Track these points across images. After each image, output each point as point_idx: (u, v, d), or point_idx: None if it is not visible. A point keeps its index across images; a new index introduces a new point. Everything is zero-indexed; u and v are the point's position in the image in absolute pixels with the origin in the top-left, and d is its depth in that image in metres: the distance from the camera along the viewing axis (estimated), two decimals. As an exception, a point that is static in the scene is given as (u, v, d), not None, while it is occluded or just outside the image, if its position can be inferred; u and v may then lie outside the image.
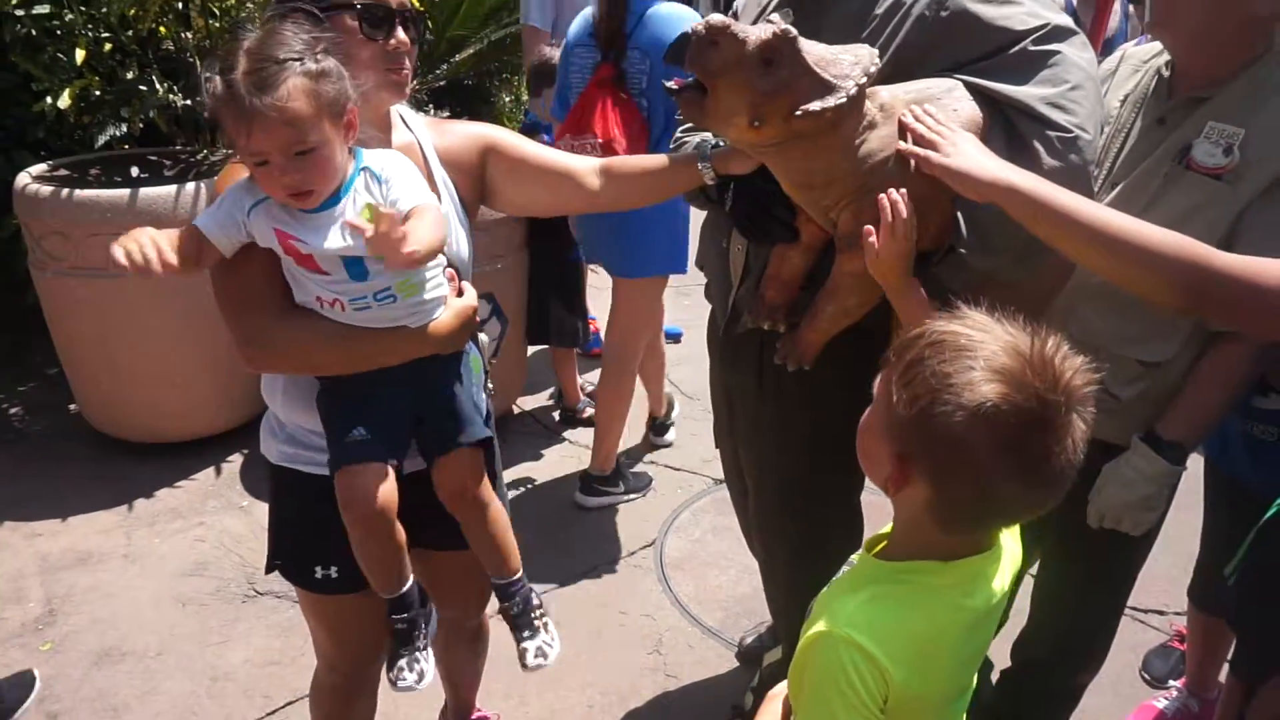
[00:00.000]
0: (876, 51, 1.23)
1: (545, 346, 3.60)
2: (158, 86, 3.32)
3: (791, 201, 1.36)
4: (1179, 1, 1.39)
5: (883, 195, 1.22)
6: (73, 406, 3.41)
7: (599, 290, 4.47)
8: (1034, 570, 1.84)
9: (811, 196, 1.31)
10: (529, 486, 3.15)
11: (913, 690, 0.94)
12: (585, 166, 1.51)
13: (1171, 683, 2.29)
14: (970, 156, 1.17)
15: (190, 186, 2.98)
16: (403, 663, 1.38)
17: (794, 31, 1.17)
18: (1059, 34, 1.29)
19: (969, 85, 1.29)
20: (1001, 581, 1.02)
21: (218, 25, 3.47)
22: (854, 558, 1.09)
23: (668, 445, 3.42)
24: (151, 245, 1.18)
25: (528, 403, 3.71)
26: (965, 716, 1.08)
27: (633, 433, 3.45)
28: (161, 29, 3.37)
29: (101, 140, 3.36)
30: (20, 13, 3.13)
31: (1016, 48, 1.29)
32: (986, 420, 0.85)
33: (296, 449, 1.44)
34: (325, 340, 1.29)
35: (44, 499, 2.98)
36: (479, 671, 1.95)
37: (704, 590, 2.65)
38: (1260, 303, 1.09)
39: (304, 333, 1.29)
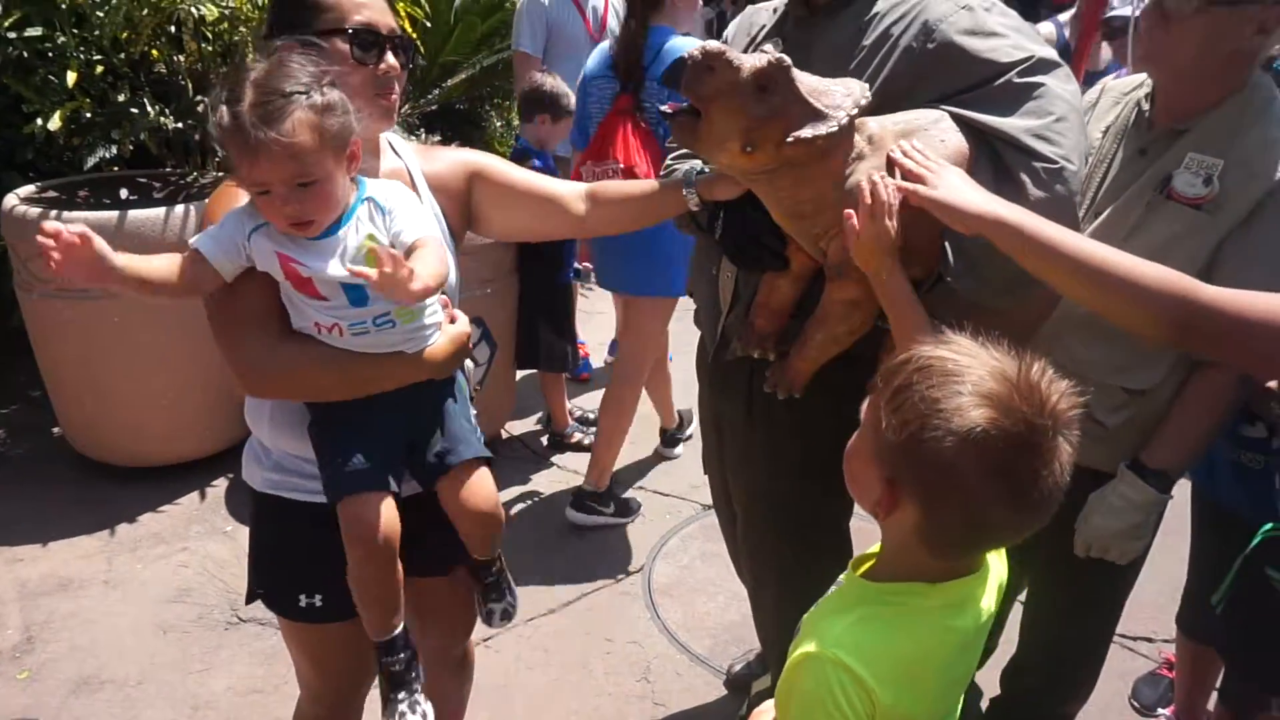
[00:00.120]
0: (867, 84, 1.25)
1: (534, 371, 3.60)
2: (149, 109, 3.33)
3: (781, 230, 1.37)
4: (1170, 37, 1.42)
5: (862, 179, 1.23)
6: (56, 429, 3.38)
7: (589, 315, 4.48)
8: (1022, 598, 1.84)
9: (801, 225, 1.32)
10: (517, 512, 3.13)
11: (900, 712, 0.94)
12: (571, 192, 1.52)
13: (1160, 710, 2.29)
14: (957, 189, 1.19)
15: (179, 209, 2.98)
16: (403, 706, 1.36)
17: (788, 60, 1.18)
18: (1043, 66, 1.32)
19: (955, 116, 1.31)
20: (988, 602, 1.03)
21: (210, 49, 3.48)
22: (841, 578, 1.09)
23: (676, 458, 3.47)
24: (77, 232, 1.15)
25: (516, 427, 3.70)
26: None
27: (627, 455, 3.45)
28: (154, 52, 3.39)
29: (91, 162, 3.36)
30: (12, 35, 3.13)
31: (1002, 80, 1.31)
32: (975, 445, 0.86)
33: (283, 476, 1.43)
34: (322, 365, 1.29)
35: (24, 523, 2.94)
36: (465, 699, 1.93)
37: (692, 617, 2.63)
38: (1246, 336, 1.10)
39: (301, 358, 1.29)
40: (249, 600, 1.52)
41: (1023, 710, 1.86)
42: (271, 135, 1.13)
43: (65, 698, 2.28)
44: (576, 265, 3.48)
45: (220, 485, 3.19)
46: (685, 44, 2.73)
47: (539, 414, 3.76)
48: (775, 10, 1.61)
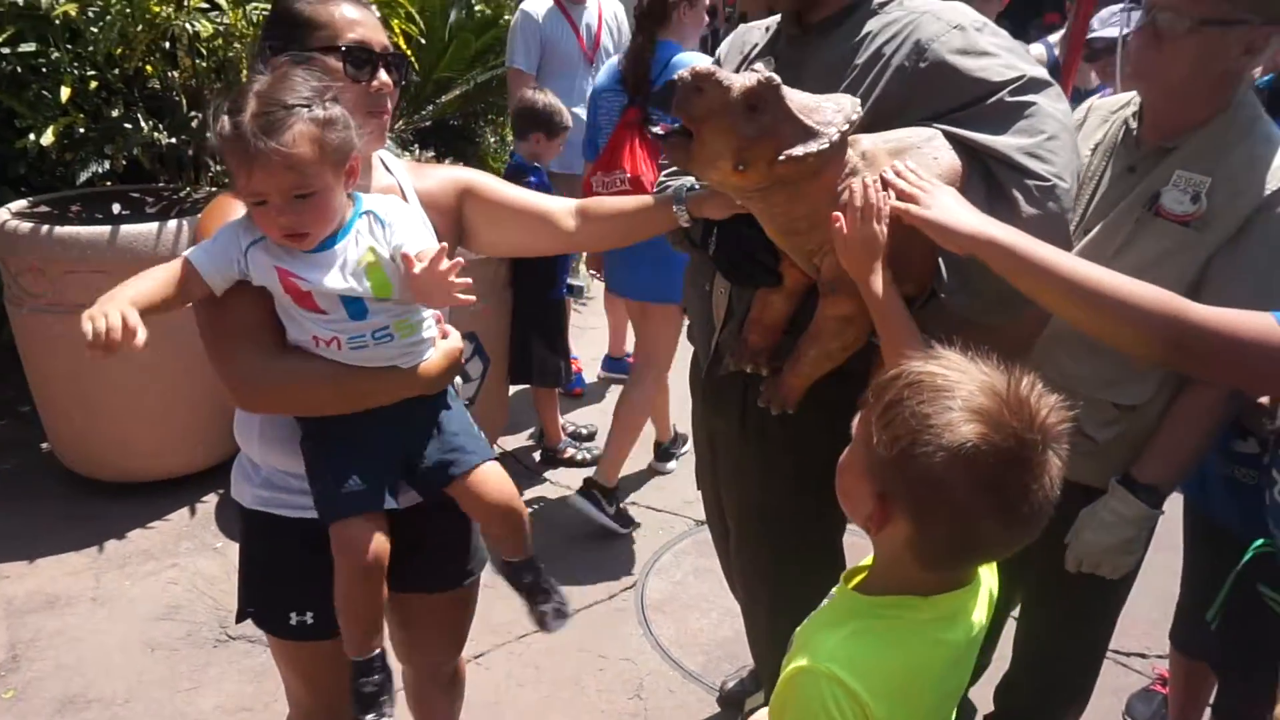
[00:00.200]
0: (858, 100, 1.26)
1: (527, 386, 3.59)
2: (143, 124, 3.33)
3: (774, 246, 1.37)
4: (1161, 56, 1.44)
5: (853, 180, 1.23)
6: (45, 445, 3.35)
7: (582, 330, 4.49)
8: (1016, 614, 1.84)
9: (795, 242, 1.33)
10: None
11: None
12: (561, 208, 1.53)
13: (1154, 727, 2.28)
14: (950, 209, 1.19)
15: (172, 224, 2.98)
16: None
17: (778, 79, 1.19)
18: (1035, 85, 1.33)
19: (948, 134, 1.32)
20: (980, 615, 1.03)
21: (205, 65, 3.49)
22: (833, 591, 1.10)
23: (669, 473, 3.48)
24: (118, 315, 1.15)
25: (509, 442, 3.69)
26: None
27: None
28: (148, 68, 3.39)
29: (84, 177, 3.36)
30: (6, 50, 3.13)
31: (994, 98, 1.32)
32: (966, 460, 0.86)
33: (273, 492, 1.42)
34: (316, 379, 1.29)
35: (12, 540, 2.91)
36: (455, 717, 1.91)
37: (685, 633, 2.62)
38: (1237, 355, 1.11)
39: (295, 372, 1.29)
40: (239, 619, 1.51)
41: (1017, 727, 1.86)
42: (272, 145, 1.14)
43: (51, 717, 2.25)
44: (570, 281, 3.49)
45: (210, 501, 3.17)
46: (691, 58, 2.78)
47: (531, 429, 3.75)
48: (768, 29, 1.62)
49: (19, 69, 3.21)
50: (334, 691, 1.54)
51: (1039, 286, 1.15)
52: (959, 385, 0.89)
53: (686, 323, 1.81)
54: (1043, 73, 1.36)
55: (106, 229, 2.89)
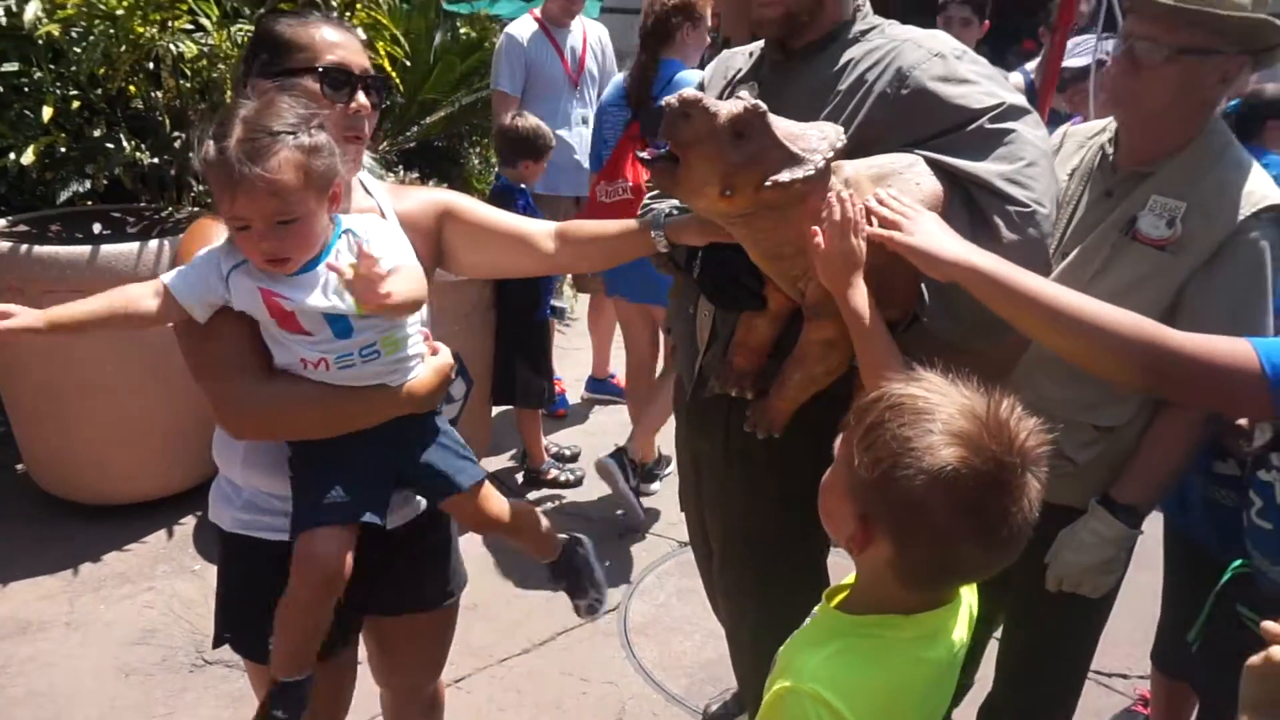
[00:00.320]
0: (842, 128, 1.28)
1: (510, 407, 3.58)
2: (125, 144, 3.32)
3: (759, 270, 1.38)
4: (1139, 84, 1.47)
5: (830, 193, 1.24)
6: (20, 466, 3.31)
7: (565, 351, 4.48)
8: (998, 634, 1.84)
9: (780, 267, 1.34)
10: (491, 549, 3.10)
11: None
12: (541, 230, 1.54)
13: (1136, 748, 2.29)
14: (933, 236, 1.21)
15: (153, 244, 2.95)
16: None
17: (764, 106, 1.21)
18: (1014, 113, 1.35)
19: (930, 160, 1.33)
20: (960, 633, 1.04)
21: (189, 86, 3.49)
22: (815, 609, 1.10)
23: (652, 494, 3.45)
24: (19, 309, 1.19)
25: (491, 464, 3.67)
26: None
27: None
28: (131, 88, 3.38)
29: (64, 196, 3.33)
30: (-13, 70, 3.12)
31: (974, 125, 1.34)
32: (946, 483, 0.87)
33: (255, 515, 1.41)
34: (306, 403, 1.29)
35: (-15, 563, 2.87)
36: (436, 743, 1.89)
37: (668, 656, 2.61)
38: (1214, 381, 1.13)
39: (284, 396, 1.29)
40: (216, 645, 1.49)
41: (1000, 749, 1.85)
42: (256, 171, 1.14)
43: (22, 745, 2.21)
44: (553, 302, 3.49)
45: (188, 523, 3.13)
46: (693, 76, 2.85)
47: (513, 450, 3.74)
48: (751, 54, 1.64)
49: (1, 89, 3.19)
50: (316, 716, 1.52)
51: (1020, 313, 1.17)
52: (939, 408, 0.90)
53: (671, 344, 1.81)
54: (1021, 100, 1.38)
55: (86, 249, 2.86)
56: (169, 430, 3.07)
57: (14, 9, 3.04)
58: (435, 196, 1.53)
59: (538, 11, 4.04)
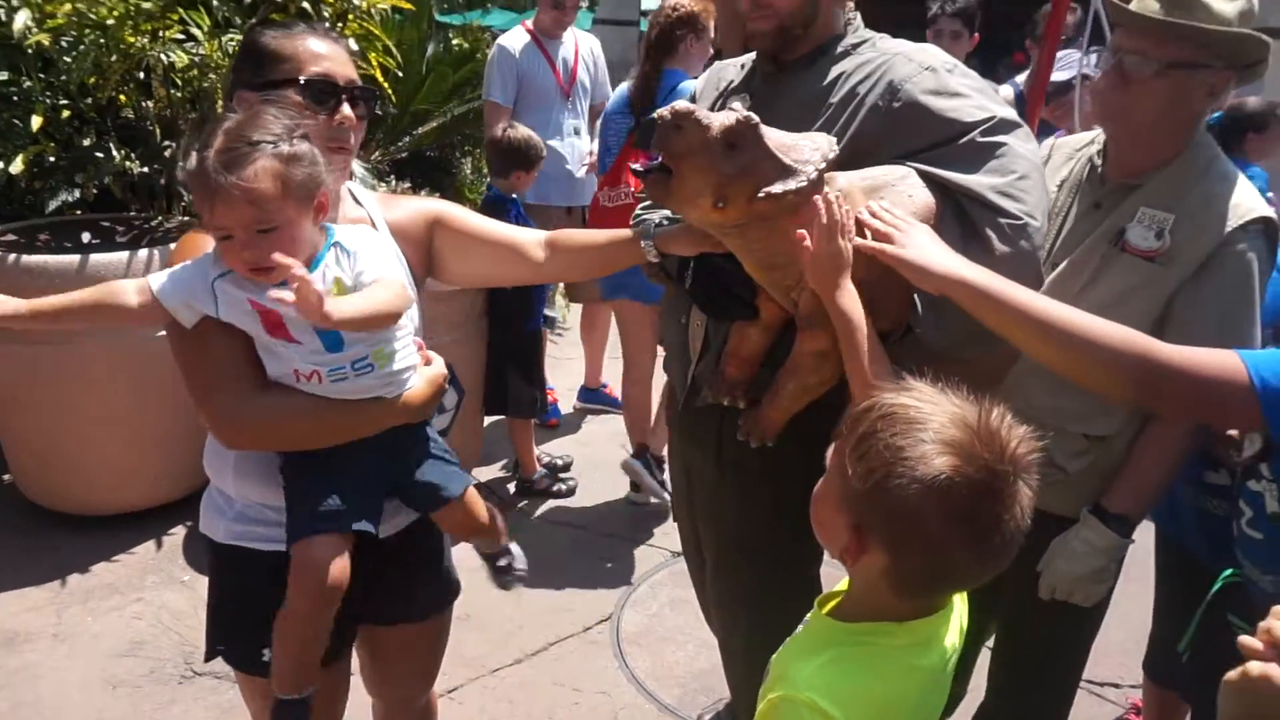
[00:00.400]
0: (834, 139, 1.29)
1: (502, 417, 3.58)
2: (114, 153, 3.31)
3: (751, 280, 1.39)
4: (1128, 98, 1.49)
5: (817, 196, 1.24)
6: (6, 476, 3.28)
7: (557, 361, 4.48)
8: (990, 644, 1.85)
9: (773, 277, 1.34)
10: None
11: None
12: (531, 239, 1.54)
13: (1128, 757, 2.29)
14: (924, 249, 1.22)
15: (142, 253, 2.94)
16: None
17: (756, 118, 1.21)
18: (1005, 126, 1.36)
19: (921, 173, 1.34)
20: (952, 639, 1.04)
21: (180, 95, 3.48)
22: (808, 616, 1.10)
23: (645, 504, 3.45)
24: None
25: (483, 473, 3.66)
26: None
27: (596, 498, 3.44)
28: (122, 97, 3.37)
29: (53, 205, 3.32)
30: (-24, 79, 3.11)
31: (965, 138, 1.35)
32: (940, 492, 0.87)
33: (247, 526, 1.40)
34: (300, 414, 1.28)
35: (-29, 575, 2.84)
36: (428, 755, 1.88)
37: (661, 666, 2.60)
38: (1204, 394, 1.14)
39: (278, 408, 1.28)
40: (209, 657, 1.48)
41: (993, 758, 1.85)
42: (231, 180, 1.15)
43: (8, 758, 2.18)
44: (546, 312, 3.50)
45: (178, 534, 3.11)
46: (694, 86, 2.87)
47: (505, 460, 3.73)
48: (743, 66, 1.65)
49: (-10, 97, 3.19)
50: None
51: (1011, 328, 1.18)
52: (931, 417, 0.91)
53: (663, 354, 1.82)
54: (1012, 114, 1.39)
55: (75, 258, 2.85)
56: (157, 440, 3.05)
57: (3, 18, 3.03)
58: (426, 206, 1.53)
59: (530, 23, 4.06)
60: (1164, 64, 1.44)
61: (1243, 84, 1.53)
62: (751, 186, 1.20)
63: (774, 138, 1.23)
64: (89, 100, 3.29)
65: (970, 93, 1.38)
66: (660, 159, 1.24)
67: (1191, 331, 1.40)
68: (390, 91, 3.92)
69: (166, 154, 3.41)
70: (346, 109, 1.35)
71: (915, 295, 1.31)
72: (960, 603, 1.07)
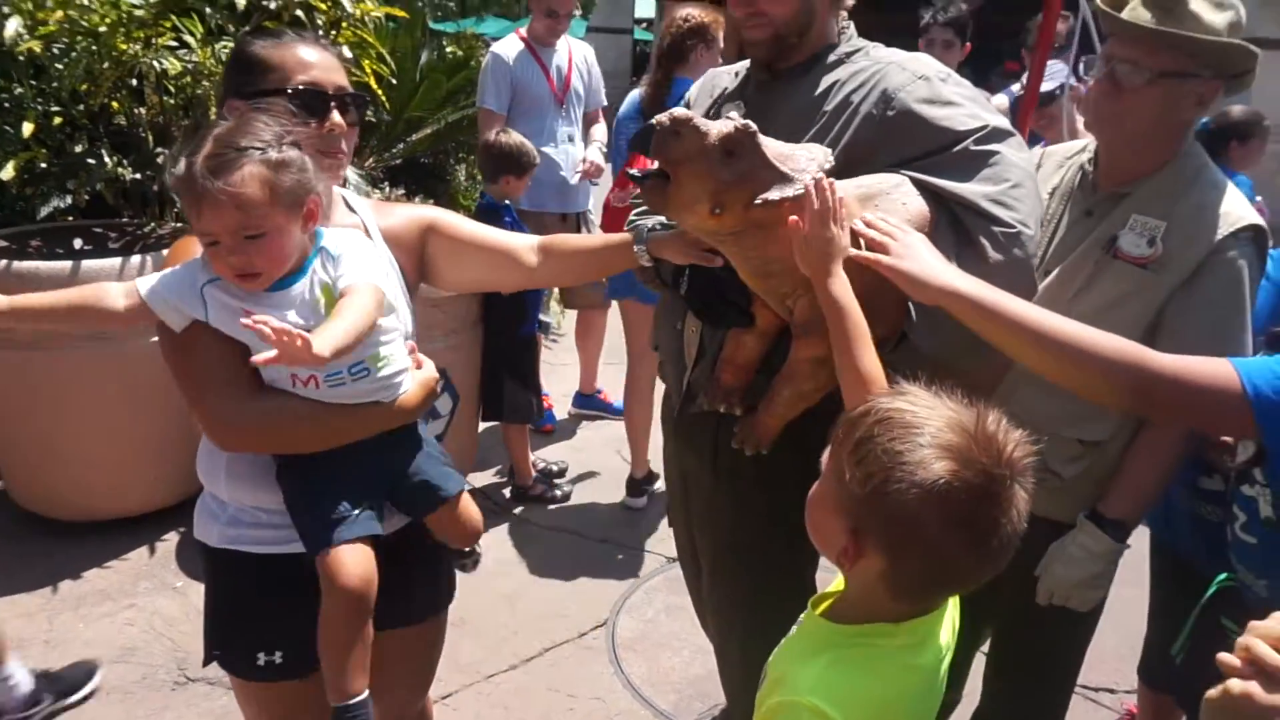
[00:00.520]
0: (830, 149, 1.29)
1: (497, 423, 3.58)
2: (106, 160, 3.30)
3: (746, 286, 1.39)
4: (1120, 106, 1.50)
5: (809, 179, 1.24)
6: (-2, 484, 3.27)
7: (553, 366, 4.48)
8: (985, 649, 1.85)
9: (768, 285, 1.35)
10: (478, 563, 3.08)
11: None
12: (524, 245, 1.55)
13: (1122, 762, 2.30)
14: (919, 260, 1.22)
15: (135, 259, 2.94)
16: None
17: (754, 126, 1.22)
18: (998, 135, 1.37)
19: (915, 181, 1.35)
20: (946, 638, 1.05)
21: (172, 102, 3.48)
22: (801, 617, 1.10)
23: (640, 509, 3.47)
24: None
25: (478, 479, 3.66)
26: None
27: (592, 502, 3.43)
28: (114, 104, 3.37)
29: (44, 211, 3.31)
30: (-33, 85, 3.10)
31: (959, 147, 1.36)
32: (938, 497, 0.88)
33: (241, 529, 1.40)
34: (295, 418, 1.29)
35: (-38, 582, 2.82)
36: (423, 762, 1.87)
37: (657, 672, 2.60)
38: (1197, 402, 1.15)
39: (273, 411, 1.28)
40: (206, 663, 1.47)
41: (988, 763, 1.86)
42: (217, 185, 1.15)
43: (-1, 768, 2.17)
44: (541, 317, 3.50)
45: (171, 540, 3.10)
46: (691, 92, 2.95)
47: (499, 465, 3.73)
48: (737, 74, 1.66)
49: (-19, 104, 3.18)
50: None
51: (1005, 338, 1.19)
52: (928, 422, 0.91)
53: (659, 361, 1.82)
54: (1005, 123, 1.41)
55: (67, 264, 2.84)
56: (150, 446, 3.04)
57: (-5, 26, 3.02)
58: (419, 212, 1.54)
59: (523, 31, 4.07)
60: (1155, 73, 1.46)
61: (1230, 94, 1.55)
62: (748, 194, 1.21)
63: (771, 146, 1.24)
64: (81, 107, 3.28)
65: (963, 101, 1.39)
66: (658, 164, 1.24)
67: (1183, 338, 1.42)
68: (384, 98, 3.92)
69: (159, 160, 3.41)
70: (336, 116, 1.36)
71: (910, 303, 1.32)
72: (952, 602, 1.08)
